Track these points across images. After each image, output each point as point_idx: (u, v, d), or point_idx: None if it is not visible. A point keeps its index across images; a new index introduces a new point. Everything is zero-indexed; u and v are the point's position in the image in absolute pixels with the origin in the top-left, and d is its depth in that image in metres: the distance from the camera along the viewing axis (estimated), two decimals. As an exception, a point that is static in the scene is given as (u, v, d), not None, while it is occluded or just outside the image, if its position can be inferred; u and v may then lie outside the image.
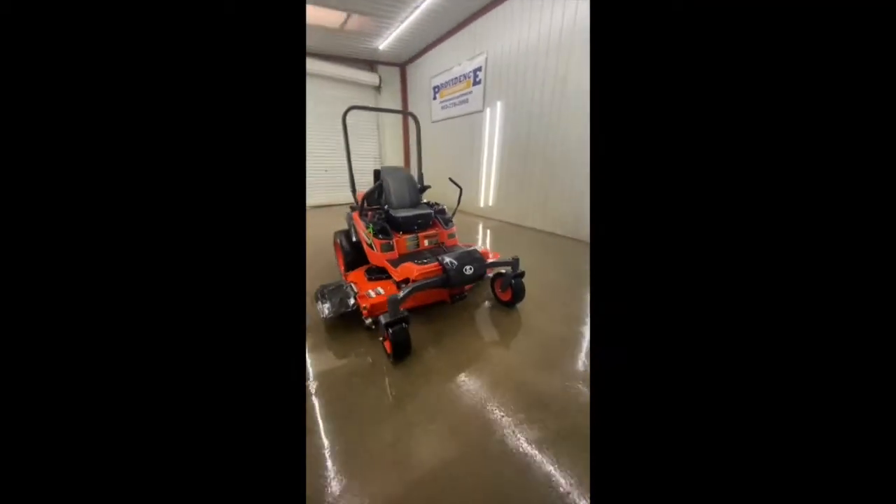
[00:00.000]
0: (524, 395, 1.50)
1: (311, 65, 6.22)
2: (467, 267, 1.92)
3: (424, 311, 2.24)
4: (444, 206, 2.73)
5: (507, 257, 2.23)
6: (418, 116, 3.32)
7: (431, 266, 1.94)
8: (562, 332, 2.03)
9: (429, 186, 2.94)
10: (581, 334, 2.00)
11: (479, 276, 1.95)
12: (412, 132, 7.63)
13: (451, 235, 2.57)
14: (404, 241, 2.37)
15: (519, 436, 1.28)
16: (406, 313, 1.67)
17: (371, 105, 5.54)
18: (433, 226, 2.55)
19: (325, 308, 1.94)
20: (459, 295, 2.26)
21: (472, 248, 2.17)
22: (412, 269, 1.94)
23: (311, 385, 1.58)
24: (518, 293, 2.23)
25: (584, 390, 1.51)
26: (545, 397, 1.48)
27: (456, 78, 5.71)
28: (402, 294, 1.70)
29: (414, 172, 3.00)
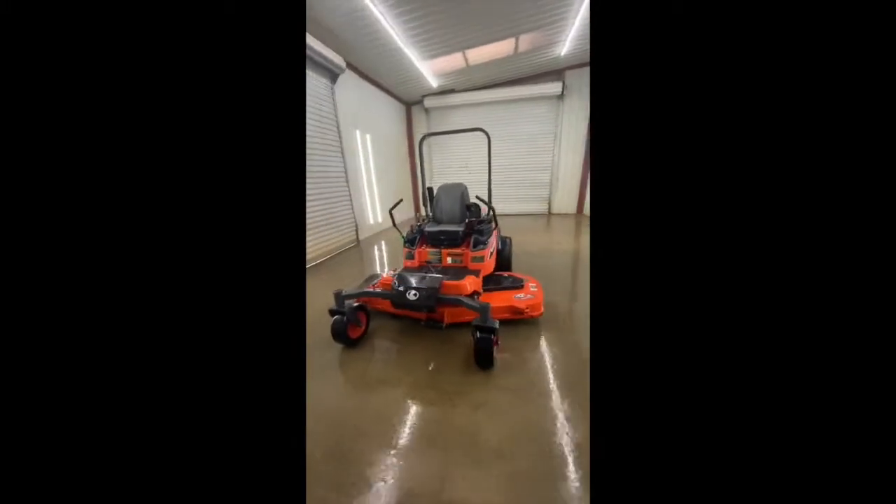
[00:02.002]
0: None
1: (493, 94, 6.97)
2: (412, 292, 1.85)
3: (417, 331, 2.27)
4: (489, 227, 2.65)
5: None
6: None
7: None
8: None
9: (476, 204, 2.79)
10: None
11: (422, 307, 1.86)
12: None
13: (478, 259, 2.39)
14: (427, 254, 2.55)
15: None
16: (348, 308, 1.97)
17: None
18: (464, 244, 2.49)
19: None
20: (432, 321, 2.14)
21: (450, 275, 2.07)
22: (387, 278, 2.16)
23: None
24: (480, 356, 1.72)
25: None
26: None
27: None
28: (345, 291, 2.03)
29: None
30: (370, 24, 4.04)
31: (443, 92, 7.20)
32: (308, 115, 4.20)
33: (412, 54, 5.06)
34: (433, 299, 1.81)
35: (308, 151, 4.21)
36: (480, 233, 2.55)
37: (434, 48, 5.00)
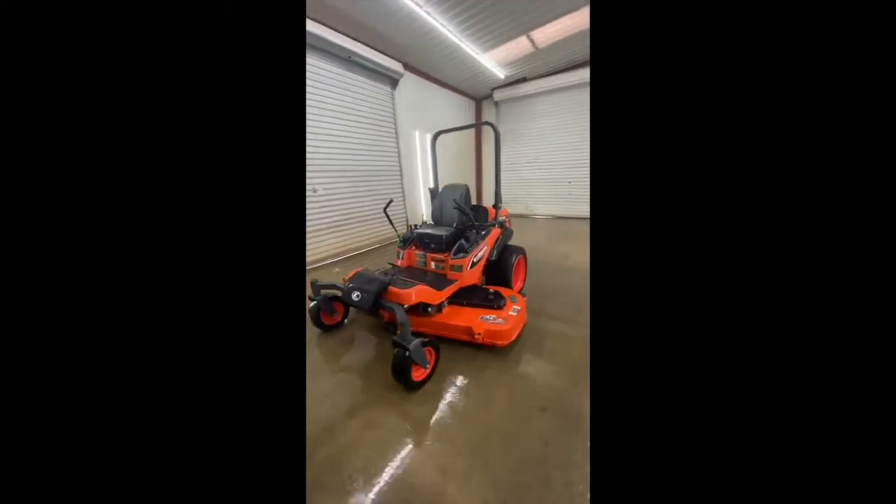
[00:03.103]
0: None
1: (573, 76, 6.12)
2: (356, 293, 1.88)
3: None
4: (480, 234, 2.42)
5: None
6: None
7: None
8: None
9: (482, 207, 2.73)
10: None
11: (363, 308, 1.87)
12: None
13: (455, 268, 2.23)
14: (414, 256, 2.53)
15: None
16: (321, 297, 2.20)
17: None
18: (450, 250, 2.35)
19: None
20: (390, 324, 2.15)
21: (403, 282, 1.98)
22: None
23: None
24: (392, 370, 1.61)
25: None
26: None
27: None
28: (319, 282, 2.21)
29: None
30: (422, 25, 4.16)
31: (514, 82, 6.78)
32: (363, 120, 4.68)
33: (470, 48, 4.95)
34: (369, 303, 1.82)
35: (361, 153, 4.72)
36: (468, 239, 2.36)
37: (492, 38, 4.76)
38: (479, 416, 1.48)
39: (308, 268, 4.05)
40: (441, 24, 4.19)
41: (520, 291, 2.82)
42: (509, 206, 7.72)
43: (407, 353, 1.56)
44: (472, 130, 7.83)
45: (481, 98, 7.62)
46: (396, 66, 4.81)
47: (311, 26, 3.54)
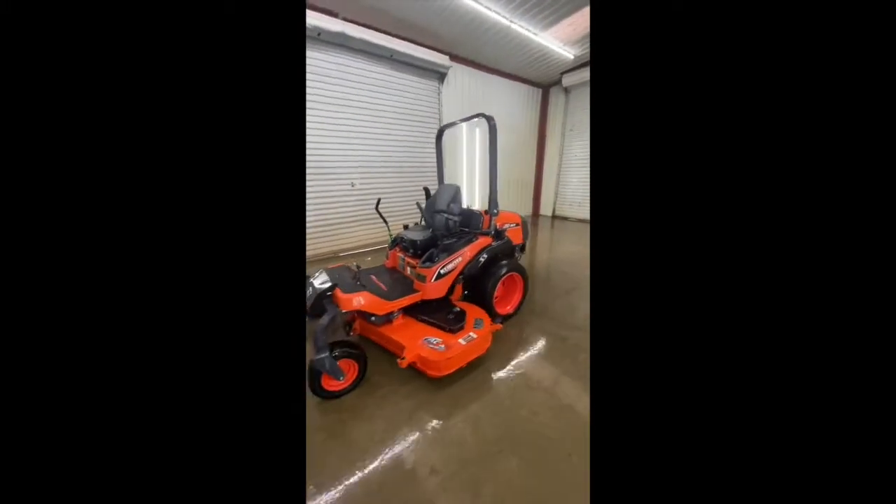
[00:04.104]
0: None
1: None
2: (309, 290, 1.86)
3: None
4: (458, 243, 2.14)
5: None
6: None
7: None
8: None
9: (476, 212, 2.41)
10: None
11: (313, 314, 1.86)
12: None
13: (420, 276, 2.01)
14: (397, 258, 2.44)
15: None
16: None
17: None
18: (420, 256, 2.16)
19: None
20: (349, 325, 2.13)
21: (351, 287, 1.86)
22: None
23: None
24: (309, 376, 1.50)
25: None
26: None
27: None
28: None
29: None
30: (468, 12, 3.92)
31: (587, 63, 5.81)
32: (404, 117, 4.73)
33: (524, 28, 4.43)
34: (310, 301, 1.77)
35: (399, 149, 4.79)
36: (445, 248, 2.07)
37: (549, 12, 4.14)
38: None
39: (341, 254, 4.37)
40: (485, 6, 3.86)
41: (508, 316, 2.39)
42: (580, 209, 6.74)
43: (312, 361, 1.46)
44: (536, 121, 7.09)
45: (548, 85, 6.81)
46: (442, 59, 4.69)
47: (349, 28, 3.73)
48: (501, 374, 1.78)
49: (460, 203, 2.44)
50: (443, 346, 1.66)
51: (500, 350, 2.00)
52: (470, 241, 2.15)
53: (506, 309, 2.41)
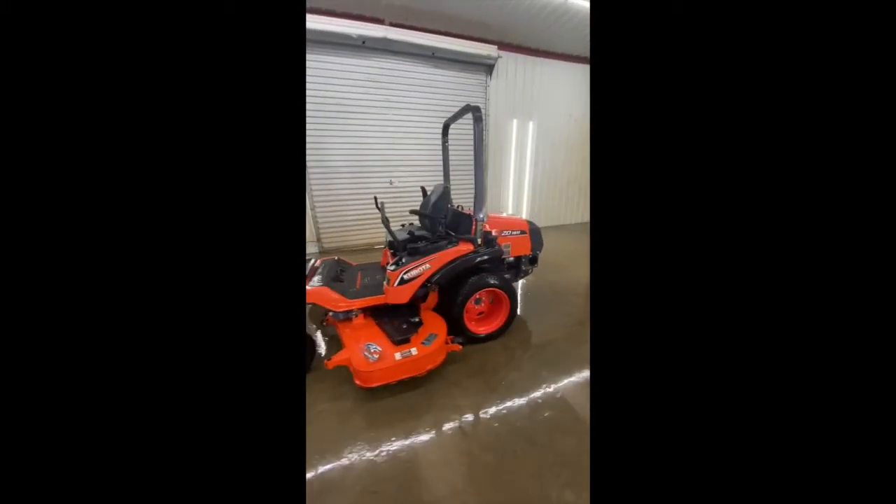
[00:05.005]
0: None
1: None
2: None
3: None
4: (432, 247, 2.07)
5: None
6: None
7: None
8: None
9: (466, 214, 2.34)
10: None
11: None
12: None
13: (386, 279, 1.99)
14: (388, 255, 2.40)
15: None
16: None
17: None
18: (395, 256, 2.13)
19: None
20: (330, 325, 2.20)
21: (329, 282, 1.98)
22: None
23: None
24: None
25: None
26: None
27: None
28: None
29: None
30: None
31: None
32: (448, 114, 4.64)
33: None
34: None
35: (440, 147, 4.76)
36: (415, 252, 2.02)
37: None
38: None
39: (376, 247, 4.74)
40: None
41: (489, 336, 2.23)
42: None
43: None
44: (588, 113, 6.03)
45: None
46: (488, 50, 4.41)
47: (390, 32, 3.83)
48: (444, 405, 1.66)
49: (447, 204, 2.33)
50: (376, 356, 1.63)
51: (456, 376, 1.90)
52: (445, 247, 2.04)
53: (484, 329, 2.25)
